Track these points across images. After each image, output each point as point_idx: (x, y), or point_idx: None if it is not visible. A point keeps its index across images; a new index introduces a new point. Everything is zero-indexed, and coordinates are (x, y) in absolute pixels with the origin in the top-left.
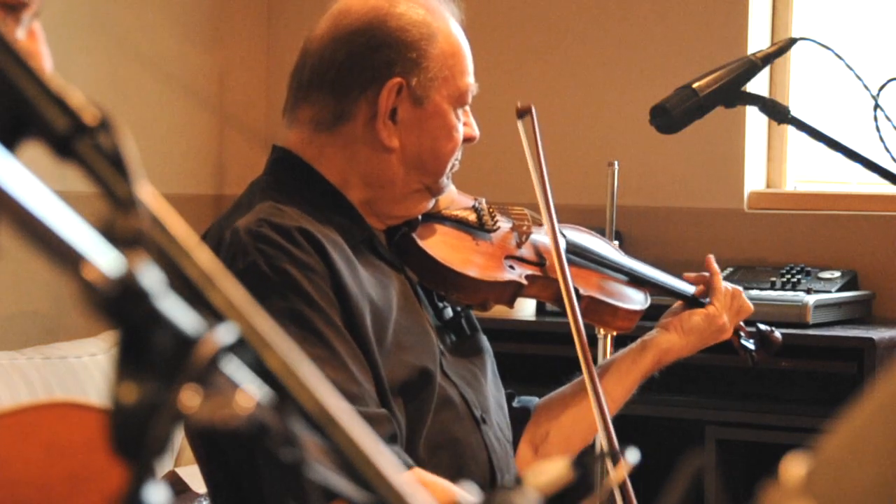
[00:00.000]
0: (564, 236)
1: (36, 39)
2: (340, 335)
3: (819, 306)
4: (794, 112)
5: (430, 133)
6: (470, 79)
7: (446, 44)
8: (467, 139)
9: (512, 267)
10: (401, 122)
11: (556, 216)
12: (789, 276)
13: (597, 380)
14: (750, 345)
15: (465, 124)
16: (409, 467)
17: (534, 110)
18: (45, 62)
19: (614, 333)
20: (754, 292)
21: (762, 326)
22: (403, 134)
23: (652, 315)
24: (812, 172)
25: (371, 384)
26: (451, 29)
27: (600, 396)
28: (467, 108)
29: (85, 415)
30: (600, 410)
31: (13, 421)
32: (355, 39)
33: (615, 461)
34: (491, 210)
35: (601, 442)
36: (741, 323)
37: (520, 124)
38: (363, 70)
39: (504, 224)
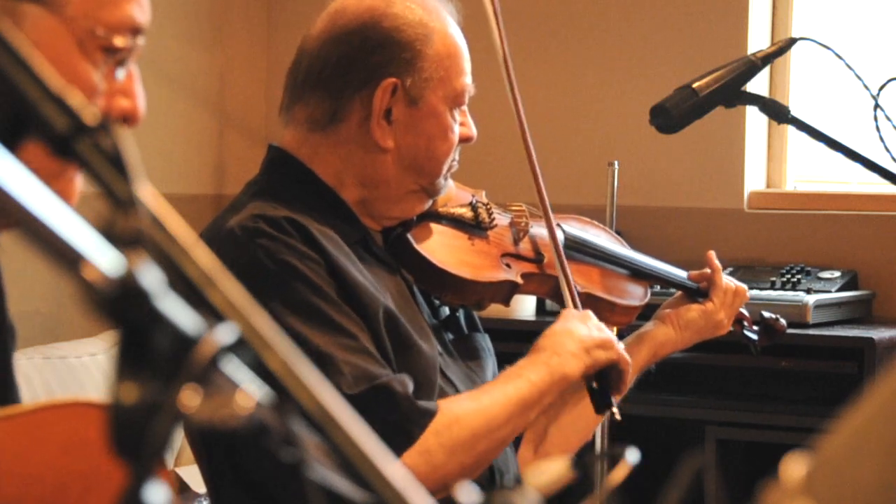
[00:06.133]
0: (561, 228)
1: (133, 81)
2: (354, 321)
3: (819, 306)
4: (794, 112)
5: (425, 134)
6: (467, 79)
7: (442, 44)
8: (464, 139)
9: (508, 265)
10: (395, 123)
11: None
12: (789, 276)
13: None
14: (753, 334)
15: (461, 124)
16: (437, 406)
17: None
18: (140, 103)
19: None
20: (754, 292)
21: (766, 314)
22: (398, 134)
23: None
24: (812, 172)
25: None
26: (448, 29)
27: None
28: (464, 108)
29: (100, 414)
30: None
31: (30, 420)
32: (350, 39)
33: (615, 461)
34: (488, 206)
35: (599, 439)
36: (744, 312)
37: None
38: (358, 70)
39: (501, 221)
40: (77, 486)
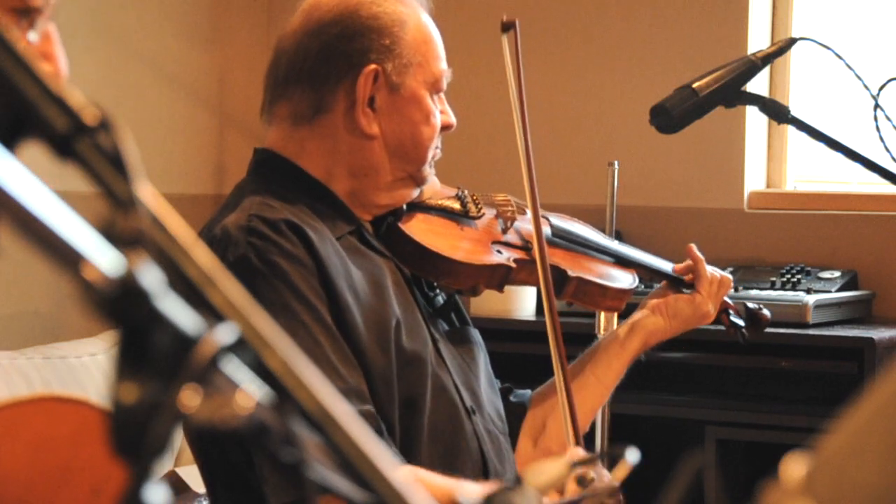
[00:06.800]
0: (548, 220)
1: (51, 42)
2: (327, 330)
3: (819, 306)
4: (794, 112)
5: (409, 119)
6: (443, 65)
7: (417, 31)
8: (445, 127)
9: (499, 251)
10: (379, 110)
11: (530, 142)
12: (789, 276)
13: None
14: (740, 321)
15: (441, 112)
16: (401, 464)
17: (517, 25)
18: (61, 64)
19: (609, 326)
20: (754, 292)
21: (750, 305)
22: (383, 121)
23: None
24: (812, 172)
25: (358, 379)
26: (421, 17)
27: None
28: (443, 95)
29: (69, 408)
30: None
31: None
32: (328, 30)
33: (615, 461)
34: (475, 198)
35: (599, 439)
36: (728, 301)
37: (504, 39)
38: (339, 59)
39: (488, 211)
40: (49, 483)
